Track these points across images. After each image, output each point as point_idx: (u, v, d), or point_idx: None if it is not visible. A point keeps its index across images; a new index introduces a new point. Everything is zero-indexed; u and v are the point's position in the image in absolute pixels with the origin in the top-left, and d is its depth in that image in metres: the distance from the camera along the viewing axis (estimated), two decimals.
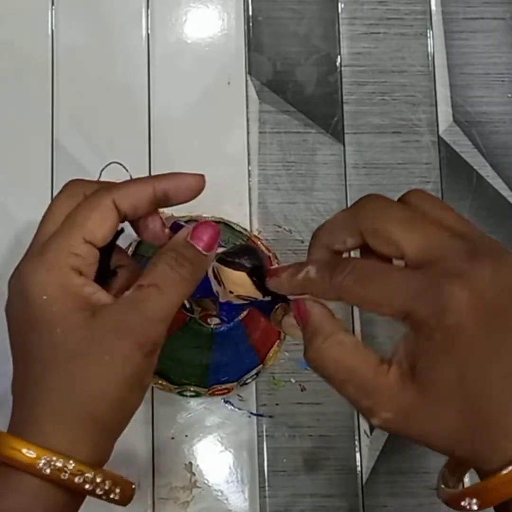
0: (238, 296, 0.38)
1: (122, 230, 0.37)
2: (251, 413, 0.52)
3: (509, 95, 0.58)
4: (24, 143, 0.54)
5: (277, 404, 0.52)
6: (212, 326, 0.48)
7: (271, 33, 0.57)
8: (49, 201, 0.53)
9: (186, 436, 0.51)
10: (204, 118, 0.56)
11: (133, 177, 0.44)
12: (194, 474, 0.51)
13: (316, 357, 0.32)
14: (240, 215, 0.54)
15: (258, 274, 0.37)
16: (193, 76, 0.56)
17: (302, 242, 0.54)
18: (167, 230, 0.36)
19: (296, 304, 0.34)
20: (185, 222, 0.43)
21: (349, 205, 0.55)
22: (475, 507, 0.30)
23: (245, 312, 0.48)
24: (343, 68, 0.57)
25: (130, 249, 0.51)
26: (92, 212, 0.34)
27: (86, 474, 0.31)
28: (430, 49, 0.58)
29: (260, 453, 0.51)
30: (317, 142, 0.56)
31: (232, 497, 0.51)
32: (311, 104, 0.56)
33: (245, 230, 0.53)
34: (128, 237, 0.53)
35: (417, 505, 0.52)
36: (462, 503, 0.31)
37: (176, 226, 0.43)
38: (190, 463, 0.51)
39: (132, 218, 0.36)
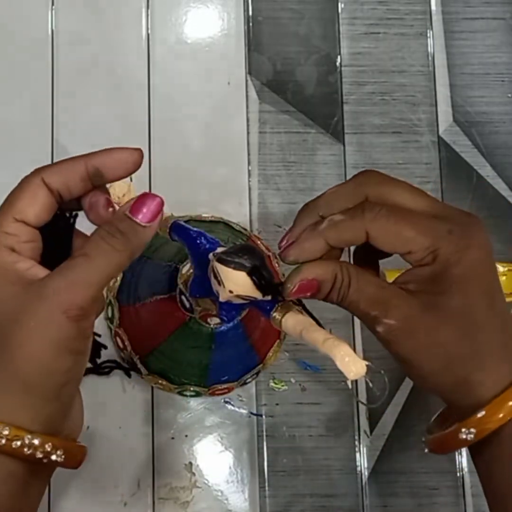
0: (238, 296, 0.38)
1: (75, 215, 0.36)
2: (251, 413, 0.52)
3: (509, 95, 0.58)
4: (24, 143, 0.54)
5: (277, 404, 0.52)
6: (212, 325, 0.48)
7: (271, 33, 0.57)
8: None
9: (186, 436, 0.51)
10: (204, 118, 0.56)
11: (132, 177, 0.44)
12: (194, 474, 0.51)
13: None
14: (240, 215, 0.54)
15: (258, 273, 0.37)
16: (193, 76, 0.56)
17: None
18: (111, 209, 0.35)
19: (302, 285, 0.36)
20: (185, 222, 0.43)
21: None
22: (471, 437, 0.33)
23: (245, 312, 0.48)
24: (343, 68, 0.57)
25: None
26: (21, 191, 0.35)
27: (24, 439, 0.31)
28: (430, 49, 0.58)
29: (260, 453, 0.51)
30: (317, 142, 0.56)
31: (232, 497, 0.51)
32: (311, 104, 0.56)
33: (245, 229, 0.53)
34: None
35: (417, 505, 0.52)
36: (461, 436, 0.33)
37: (175, 226, 0.43)
38: (190, 463, 0.51)
39: (70, 197, 0.35)
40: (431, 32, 0.58)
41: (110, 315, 0.50)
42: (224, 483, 0.51)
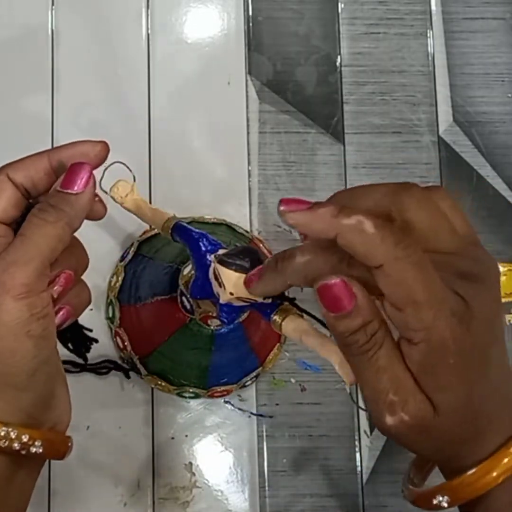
0: (239, 298, 0.38)
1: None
2: (251, 413, 0.52)
3: (509, 95, 0.58)
4: (24, 143, 0.54)
5: (277, 404, 0.52)
6: (212, 327, 0.48)
7: (271, 33, 0.57)
8: None
9: (186, 436, 0.51)
10: (204, 118, 0.56)
11: (135, 177, 0.44)
12: (194, 474, 0.51)
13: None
14: (240, 215, 0.54)
15: None
16: (193, 76, 0.56)
17: (302, 242, 0.54)
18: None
19: (330, 287, 0.30)
20: (188, 223, 0.43)
21: None
22: (445, 505, 0.31)
23: (245, 315, 0.47)
24: (343, 68, 0.57)
25: (132, 249, 0.51)
26: None
27: None
28: (430, 49, 0.58)
29: (260, 453, 0.51)
30: (317, 142, 0.56)
31: (232, 497, 0.51)
32: (311, 104, 0.56)
33: (247, 232, 0.53)
34: (129, 237, 0.53)
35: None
36: (434, 501, 0.31)
37: (178, 227, 0.43)
38: (190, 463, 0.51)
39: (36, 192, 0.35)
40: (431, 32, 0.58)
41: (110, 315, 0.50)
42: (224, 483, 0.51)
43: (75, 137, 0.54)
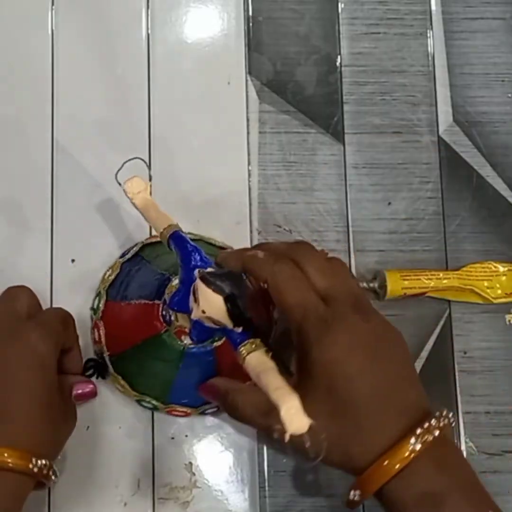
0: (209, 318, 0.38)
1: None
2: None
3: (509, 95, 0.58)
4: (24, 143, 0.54)
5: None
6: (184, 343, 0.48)
7: (271, 33, 0.57)
8: (49, 200, 0.53)
9: (186, 436, 0.51)
10: (204, 118, 0.56)
11: (136, 176, 0.44)
12: (194, 474, 0.51)
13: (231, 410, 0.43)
14: (240, 215, 0.54)
15: (234, 302, 0.37)
16: (193, 76, 0.56)
17: None
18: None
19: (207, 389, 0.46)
20: (194, 240, 0.43)
21: (349, 205, 0.55)
22: (358, 498, 0.37)
23: (219, 342, 0.47)
24: (343, 68, 0.57)
25: (135, 249, 0.51)
26: None
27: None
28: (430, 49, 0.58)
29: (260, 453, 0.51)
30: (317, 142, 0.56)
31: (232, 497, 0.51)
32: (311, 104, 0.56)
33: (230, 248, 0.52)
34: (128, 240, 0.53)
35: None
36: (350, 497, 0.38)
37: (175, 235, 0.43)
38: (190, 463, 0.51)
39: None
40: (431, 32, 0.58)
41: (95, 306, 0.51)
42: (224, 483, 0.51)
43: (75, 137, 0.54)
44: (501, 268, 0.54)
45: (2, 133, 0.54)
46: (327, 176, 0.56)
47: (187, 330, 0.45)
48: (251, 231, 0.54)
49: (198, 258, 0.42)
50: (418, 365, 0.53)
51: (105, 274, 0.51)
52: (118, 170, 0.43)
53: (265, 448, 0.51)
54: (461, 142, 0.57)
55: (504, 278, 0.53)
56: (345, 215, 0.55)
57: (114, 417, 0.50)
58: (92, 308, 0.51)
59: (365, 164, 0.56)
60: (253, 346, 0.37)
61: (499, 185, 0.56)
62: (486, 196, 0.56)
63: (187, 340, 0.47)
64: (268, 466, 0.51)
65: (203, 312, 0.38)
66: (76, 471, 0.50)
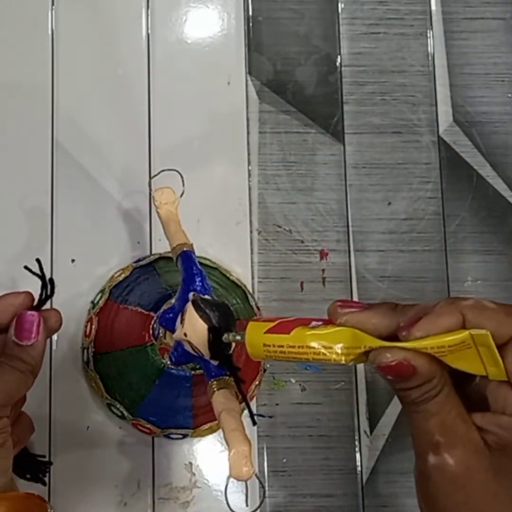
0: (189, 342, 0.38)
1: None
2: (251, 413, 0.52)
3: (509, 95, 0.58)
4: (24, 143, 0.54)
5: (277, 404, 0.52)
6: (165, 361, 0.48)
7: (271, 33, 0.57)
8: (49, 200, 0.53)
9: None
10: (204, 118, 0.56)
11: (168, 188, 0.45)
12: (194, 474, 0.51)
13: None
14: (240, 215, 0.54)
15: (217, 335, 0.37)
16: (193, 76, 0.56)
17: (302, 242, 0.54)
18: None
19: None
20: (209, 266, 0.43)
21: (349, 205, 0.55)
22: None
23: (199, 372, 0.48)
24: (343, 68, 0.57)
25: (150, 258, 0.52)
26: None
27: None
28: (430, 49, 0.58)
29: (260, 453, 0.51)
30: (317, 142, 0.56)
31: (232, 497, 0.51)
32: (311, 104, 0.56)
33: (258, 309, 0.52)
34: (128, 240, 0.53)
35: (416, 505, 0.52)
36: None
37: (184, 254, 0.43)
38: (190, 463, 0.51)
39: None
40: (431, 32, 0.58)
41: (96, 301, 0.51)
42: (224, 483, 0.51)
43: (75, 137, 0.54)
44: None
45: (2, 133, 0.54)
46: (327, 176, 0.56)
47: (169, 348, 0.45)
48: (251, 231, 0.54)
49: (200, 282, 0.42)
50: None
51: (114, 274, 0.52)
52: (154, 176, 0.44)
53: (265, 448, 0.51)
54: (461, 142, 0.57)
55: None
56: (345, 215, 0.55)
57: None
58: (92, 302, 0.51)
59: (365, 164, 0.56)
60: (225, 383, 0.37)
61: (499, 185, 0.56)
62: (486, 196, 0.56)
63: (167, 359, 0.48)
64: (268, 466, 0.51)
65: (185, 334, 0.38)
66: (76, 471, 0.50)
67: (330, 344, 0.32)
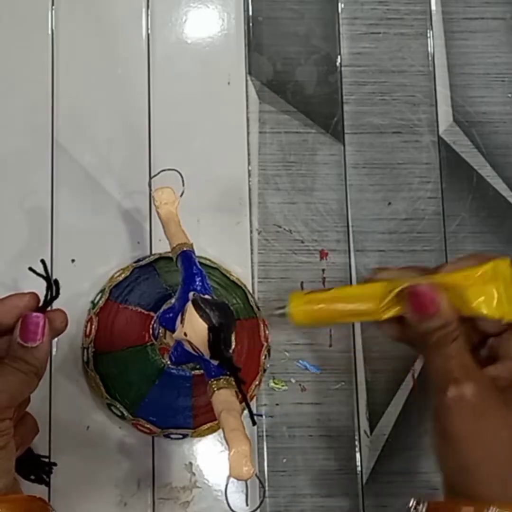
0: (189, 342, 0.38)
1: None
2: (251, 413, 0.52)
3: (509, 95, 0.58)
4: (24, 143, 0.54)
5: (277, 404, 0.52)
6: (165, 361, 0.48)
7: (271, 33, 0.57)
8: (49, 201, 0.53)
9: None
10: (204, 118, 0.56)
11: (168, 187, 0.45)
12: (194, 474, 0.51)
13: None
14: (240, 215, 0.54)
15: (217, 335, 0.37)
16: (193, 76, 0.56)
17: (302, 242, 0.54)
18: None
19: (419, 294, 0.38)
20: (209, 267, 0.43)
21: (349, 205, 0.55)
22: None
23: (199, 372, 0.47)
24: (343, 68, 0.57)
25: (150, 258, 0.52)
26: None
27: None
28: (430, 49, 0.58)
29: (260, 453, 0.51)
30: (317, 142, 0.56)
31: (232, 497, 0.51)
32: (311, 104, 0.56)
33: (258, 308, 0.52)
34: (128, 240, 0.53)
35: None
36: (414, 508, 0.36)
37: (184, 254, 0.43)
38: (190, 463, 0.51)
39: None
40: (431, 32, 0.58)
41: (96, 300, 0.51)
42: (224, 483, 0.51)
43: (75, 137, 0.54)
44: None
45: (2, 133, 0.54)
46: (327, 176, 0.56)
47: (170, 349, 0.45)
48: (251, 231, 0.54)
49: (200, 282, 0.42)
50: (418, 366, 0.53)
51: (114, 274, 0.51)
52: (154, 176, 0.44)
53: (265, 448, 0.51)
54: (461, 142, 0.57)
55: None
56: (345, 215, 0.55)
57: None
58: (92, 302, 0.51)
59: (365, 164, 0.56)
60: (225, 383, 0.37)
61: (499, 185, 0.56)
62: (486, 196, 0.56)
63: (167, 359, 0.48)
64: (268, 466, 0.51)
65: (185, 334, 0.38)
66: (76, 471, 0.50)
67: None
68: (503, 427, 0.34)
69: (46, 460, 0.47)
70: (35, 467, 0.46)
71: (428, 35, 0.58)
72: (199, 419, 0.49)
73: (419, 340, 0.38)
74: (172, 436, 0.50)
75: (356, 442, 0.52)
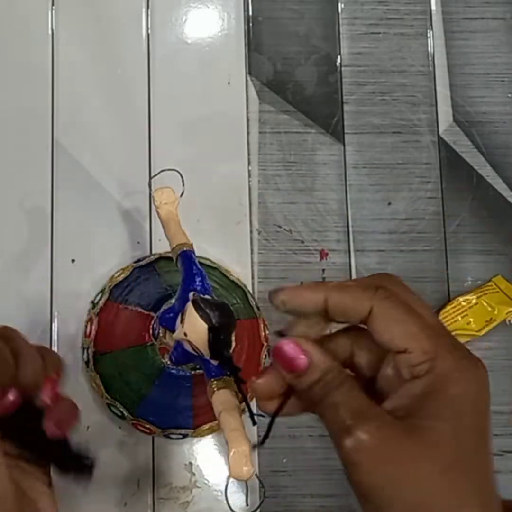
0: (189, 342, 0.38)
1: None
2: (252, 413, 0.52)
3: (509, 95, 0.58)
4: (24, 143, 0.54)
5: None
6: (165, 361, 0.48)
7: (271, 33, 0.57)
8: (49, 201, 0.53)
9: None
10: (204, 118, 0.56)
11: (168, 187, 0.45)
12: (194, 474, 0.51)
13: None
14: (240, 215, 0.54)
15: (217, 335, 0.37)
16: (193, 76, 0.56)
17: (302, 242, 0.54)
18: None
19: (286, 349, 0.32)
20: (209, 266, 0.43)
21: (349, 205, 0.55)
22: None
23: (199, 371, 0.48)
24: (343, 68, 0.57)
25: (150, 258, 0.52)
26: None
27: None
28: (430, 49, 0.58)
29: (260, 453, 0.51)
30: (317, 142, 0.56)
31: (232, 497, 0.51)
32: (311, 104, 0.56)
33: (258, 309, 0.52)
34: (128, 240, 0.53)
35: None
36: None
37: (184, 254, 0.43)
38: (190, 463, 0.51)
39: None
40: (431, 32, 0.58)
41: (96, 301, 0.51)
42: (224, 483, 0.51)
43: (75, 137, 0.54)
44: (472, 299, 0.53)
45: (2, 132, 0.54)
46: (327, 176, 0.56)
47: (170, 349, 0.45)
48: (251, 231, 0.54)
49: (200, 282, 0.42)
50: None
51: (114, 274, 0.52)
52: (154, 176, 0.44)
53: (265, 448, 0.51)
54: (461, 142, 0.57)
55: (476, 307, 0.53)
56: (345, 215, 0.55)
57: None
58: (92, 302, 0.51)
59: (365, 164, 0.56)
60: (225, 383, 0.38)
61: (499, 185, 0.56)
62: (486, 196, 0.56)
63: (167, 359, 0.48)
64: (268, 466, 0.51)
65: (185, 334, 0.38)
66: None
67: None
68: (414, 466, 0.29)
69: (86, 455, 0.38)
70: (76, 465, 0.37)
71: (428, 35, 0.58)
72: (199, 419, 0.49)
73: (305, 399, 0.33)
74: (172, 436, 0.50)
75: None
